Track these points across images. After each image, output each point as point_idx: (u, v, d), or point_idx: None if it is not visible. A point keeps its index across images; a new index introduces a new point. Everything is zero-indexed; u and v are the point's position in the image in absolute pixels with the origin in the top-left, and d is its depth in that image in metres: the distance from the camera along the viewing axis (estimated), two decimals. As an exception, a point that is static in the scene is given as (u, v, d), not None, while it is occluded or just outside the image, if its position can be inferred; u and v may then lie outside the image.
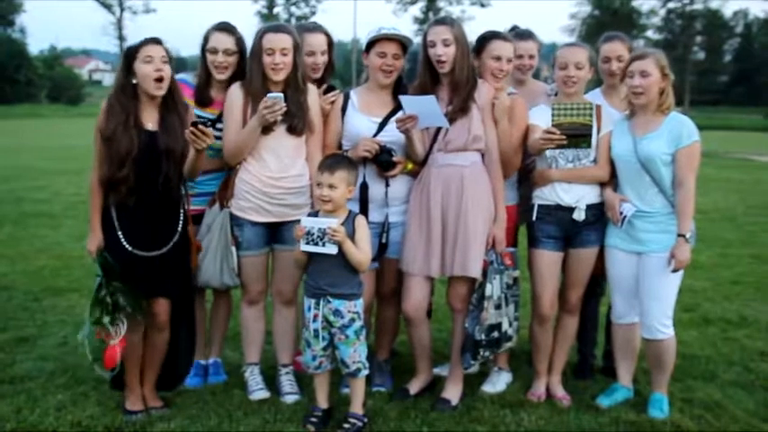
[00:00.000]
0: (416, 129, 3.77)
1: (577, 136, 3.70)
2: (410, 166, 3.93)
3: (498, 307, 3.83)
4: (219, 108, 4.03)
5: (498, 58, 3.92)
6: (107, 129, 3.55)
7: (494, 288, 3.80)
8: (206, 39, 4.02)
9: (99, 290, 3.55)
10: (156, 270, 3.64)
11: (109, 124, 3.56)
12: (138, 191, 3.56)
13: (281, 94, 3.69)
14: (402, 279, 4.00)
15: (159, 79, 3.55)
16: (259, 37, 3.81)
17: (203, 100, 4.06)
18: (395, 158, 3.86)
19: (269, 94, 3.68)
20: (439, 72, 3.85)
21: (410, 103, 3.73)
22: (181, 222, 3.73)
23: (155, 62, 3.54)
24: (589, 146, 3.78)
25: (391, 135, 3.87)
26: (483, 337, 3.81)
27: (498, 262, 3.83)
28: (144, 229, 3.62)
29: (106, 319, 3.54)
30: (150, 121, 3.62)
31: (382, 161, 3.85)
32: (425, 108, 3.68)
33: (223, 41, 3.98)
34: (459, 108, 3.81)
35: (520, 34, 4.30)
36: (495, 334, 3.84)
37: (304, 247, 3.53)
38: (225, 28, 4.03)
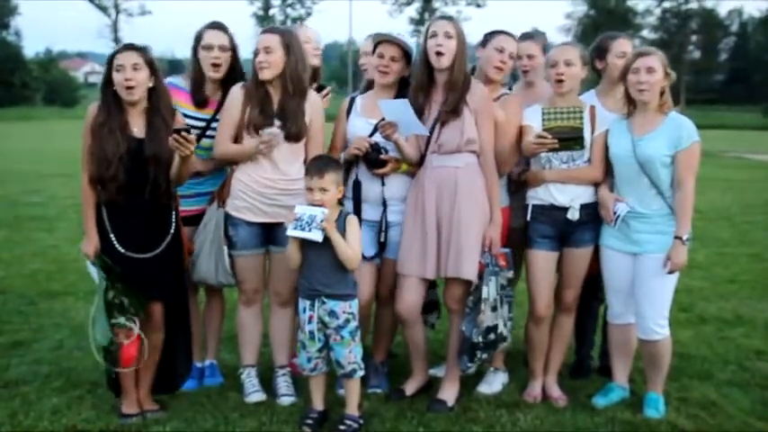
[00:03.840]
0: (399, 135, 3.78)
1: (569, 139, 3.75)
2: (404, 166, 3.93)
3: (494, 309, 3.82)
4: (214, 108, 4.04)
5: (501, 51, 3.98)
6: (95, 125, 3.58)
7: (489, 290, 3.79)
8: (198, 38, 4.02)
9: (106, 293, 3.55)
10: (148, 272, 3.64)
11: (97, 122, 3.59)
12: (127, 190, 3.56)
13: (279, 130, 3.74)
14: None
15: (129, 87, 3.55)
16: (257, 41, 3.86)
17: (199, 101, 4.05)
18: (383, 156, 3.86)
19: (266, 130, 3.73)
20: (435, 67, 3.83)
21: (388, 107, 3.75)
22: (173, 225, 3.73)
23: (125, 71, 3.54)
24: (582, 148, 3.82)
25: None
26: (480, 339, 3.81)
27: (493, 264, 3.82)
28: (135, 231, 3.62)
29: (122, 319, 3.56)
30: (136, 126, 3.63)
31: (370, 159, 3.87)
32: (402, 115, 3.70)
33: (218, 37, 4.00)
34: (451, 109, 3.80)
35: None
36: (492, 336, 3.84)
37: (290, 232, 3.51)
38: (218, 26, 4.05)
